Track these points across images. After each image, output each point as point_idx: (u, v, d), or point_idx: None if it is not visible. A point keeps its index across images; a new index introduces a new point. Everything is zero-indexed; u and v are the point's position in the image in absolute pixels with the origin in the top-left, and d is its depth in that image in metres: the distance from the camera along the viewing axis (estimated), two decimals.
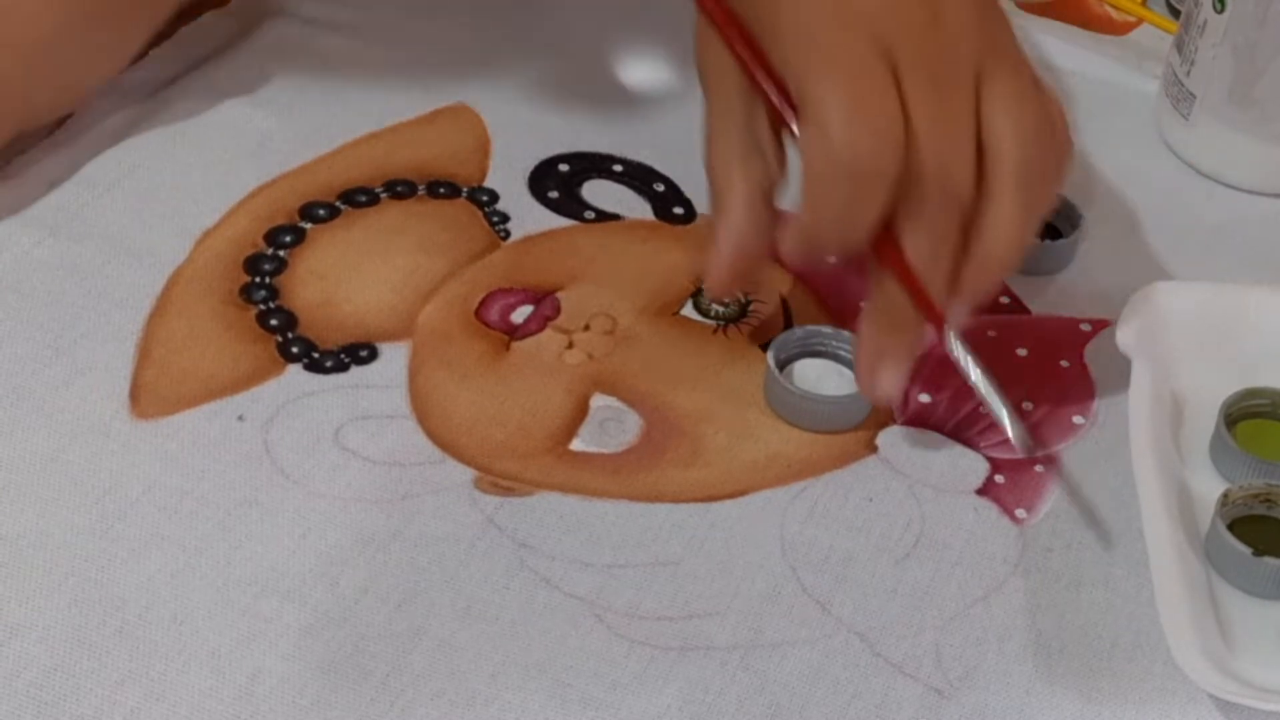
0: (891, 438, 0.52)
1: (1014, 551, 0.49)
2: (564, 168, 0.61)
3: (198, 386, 0.52)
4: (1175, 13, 0.70)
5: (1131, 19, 0.71)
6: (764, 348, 0.53)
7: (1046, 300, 0.58)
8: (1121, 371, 0.53)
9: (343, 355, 0.53)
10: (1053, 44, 0.69)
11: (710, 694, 0.45)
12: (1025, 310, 0.57)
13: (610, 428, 0.52)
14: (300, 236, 0.57)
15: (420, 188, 0.60)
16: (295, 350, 0.53)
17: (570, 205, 0.60)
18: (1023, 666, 0.46)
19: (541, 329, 0.55)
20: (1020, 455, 0.51)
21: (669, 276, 0.57)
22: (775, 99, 0.48)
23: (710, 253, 0.50)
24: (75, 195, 0.58)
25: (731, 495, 0.50)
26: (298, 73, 0.64)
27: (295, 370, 0.53)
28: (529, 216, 0.59)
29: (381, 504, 0.49)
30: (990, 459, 0.52)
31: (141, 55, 0.62)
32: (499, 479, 0.50)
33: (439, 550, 0.48)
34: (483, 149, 0.62)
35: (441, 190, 0.60)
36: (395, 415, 0.52)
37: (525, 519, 0.49)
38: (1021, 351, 0.56)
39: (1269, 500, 0.49)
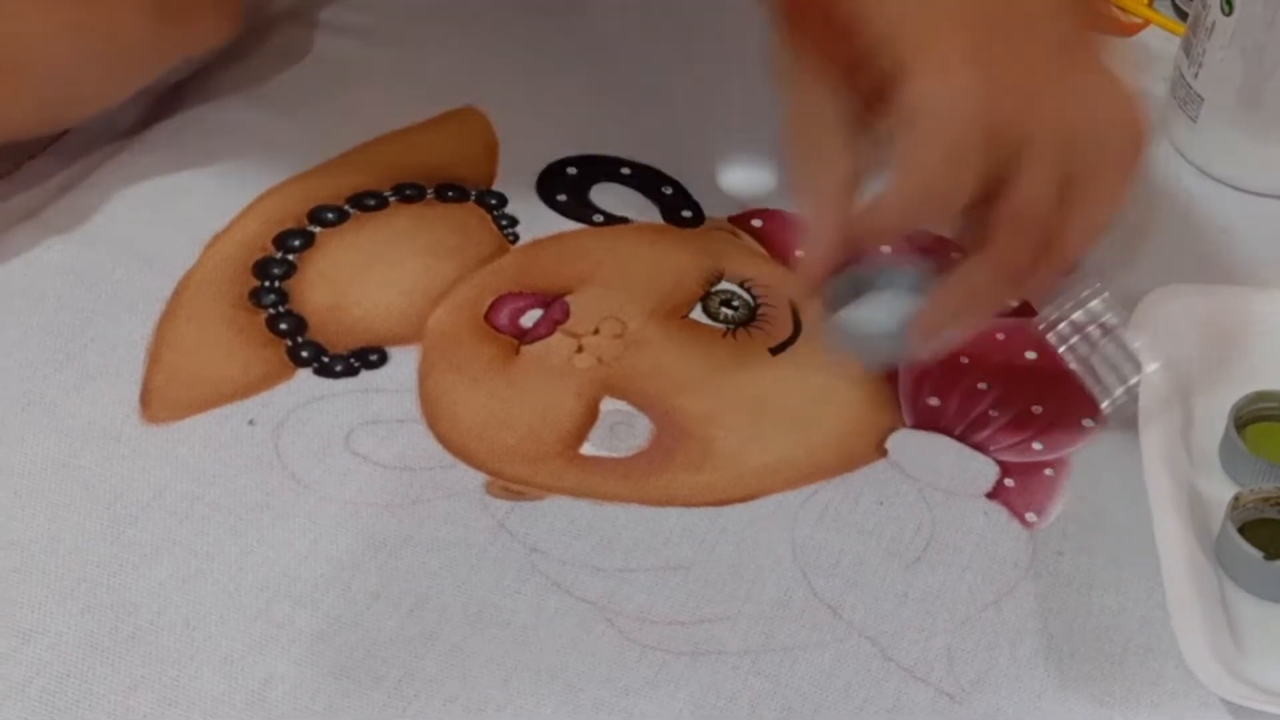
0: (901, 441, 0.52)
1: (1024, 555, 0.49)
2: (572, 171, 0.61)
3: (208, 391, 0.52)
4: (1182, 15, 0.70)
5: (1138, 21, 0.71)
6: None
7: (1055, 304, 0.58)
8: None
9: (352, 359, 0.53)
10: None
11: (722, 698, 0.45)
12: (1034, 313, 0.57)
13: (620, 431, 0.52)
14: (309, 240, 0.57)
15: (429, 191, 0.60)
16: (305, 354, 0.53)
17: (578, 208, 0.60)
18: (1034, 670, 0.46)
19: (551, 333, 0.55)
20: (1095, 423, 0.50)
21: (678, 279, 0.57)
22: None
23: (805, 248, 0.49)
24: (85, 200, 0.58)
25: (742, 499, 0.50)
26: (307, 77, 0.64)
27: (305, 374, 0.53)
28: (537, 220, 0.59)
29: (393, 509, 0.49)
30: (1000, 462, 0.52)
31: None
32: (510, 483, 0.50)
33: (450, 555, 0.48)
34: (491, 152, 0.62)
35: (450, 194, 0.60)
36: (406, 419, 0.52)
37: (536, 523, 0.49)
38: (1031, 355, 0.55)
39: None
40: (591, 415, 0.52)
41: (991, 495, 0.51)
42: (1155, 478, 0.49)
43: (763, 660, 0.46)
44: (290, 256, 0.57)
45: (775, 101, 0.66)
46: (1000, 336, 0.56)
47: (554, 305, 0.56)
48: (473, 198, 0.60)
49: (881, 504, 0.50)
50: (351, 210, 0.59)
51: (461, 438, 0.51)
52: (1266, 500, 0.49)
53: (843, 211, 0.48)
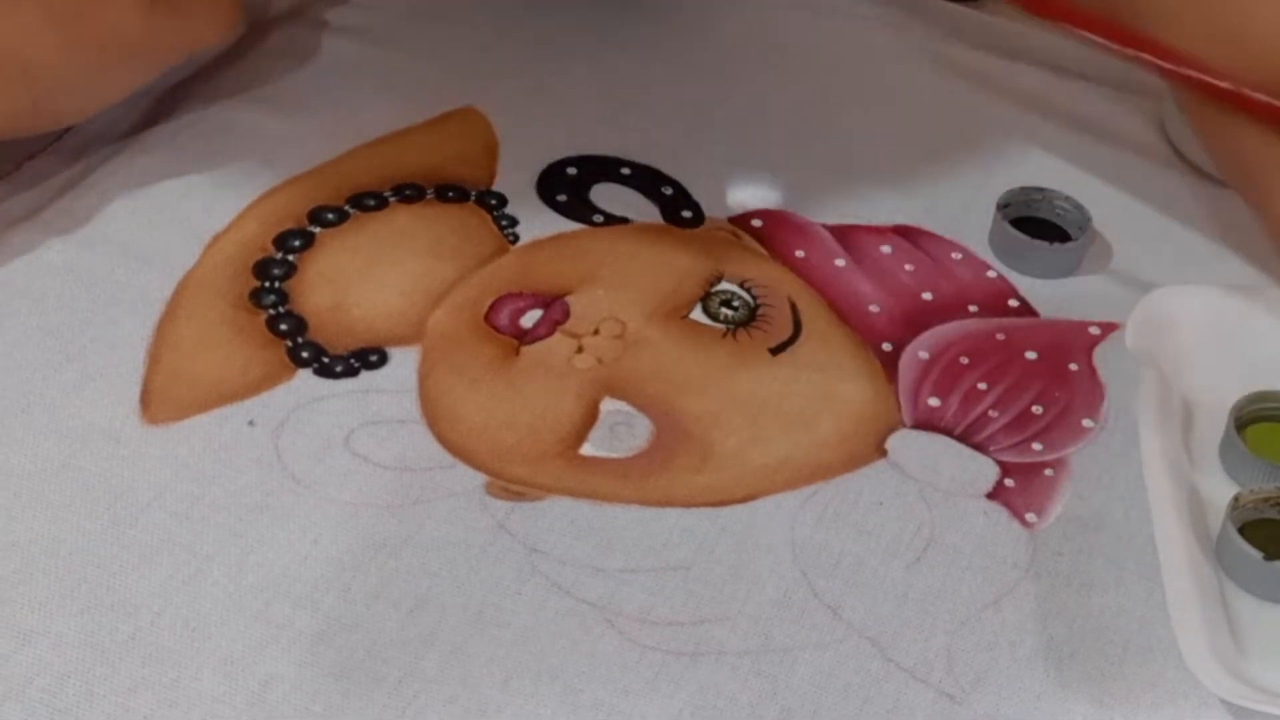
0: (901, 442, 0.52)
1: (1024, 555, 0.49)
2: (572, 171, 0.61)
3: (208, 391, 0.52)
4: None
5: None
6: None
7: (1055, 303, 0.58)
8: (1131, 375, 0.53)
9: (352, 360, 0.53)
10: (1060, 44, 0.69)
11: (722, 699, 0.45)
12: (1034, 313, 0.57)
13: (620, 432, 0.52)
14: (309, 241, 0.57)
15: (429, 191, 0.60)
16: (305, 355, 0.53)
17: (579, 208, 0.60)
18: (1034, 671, 0.46)
19: (551, 333, 0.55)
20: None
21: (678, 280, 0.57)
22: None
23: None
24: (85, 201, 0.58)
25: (742, 500, 0.50)
26: (306, 76, 0.65)
27: (305, 375, 0.53)
28: (537, 220, 0.59)
29: (393, 509, 0.49)
30: (1000, 462, 0.52)
31: None
32: (510, 484, 0.50)
33: (450, 555, 0.48)
34: (491, 152, 0.62)
35: (450, 194, 0.60)
36: (406, 420, 0.52)
37: (536, 524, 0.49)
38: (1031, 355, 0.56)
39: None
40: (591, 416, 0.52)
41: (991, 496, 0.51)
42: (1155, 478, 0.49)
43: (762, 661, 0.46)
44: (290, 257, 0.57)
45: (776, 101, 0.66)
46: (1000, 337, 0.56)
47: (554, 306, 0.56)
48: (473, 198, 0.60)
49: (881, 504, 0.50)
50: (351, 210, 0.59)
51: (461, 438, 0.51)
52: (1267, 501, 0.49)
53: None
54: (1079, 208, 0.60)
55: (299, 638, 0.45)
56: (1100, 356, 0.56)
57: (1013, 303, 0.58)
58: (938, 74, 0.68)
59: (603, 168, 0.62)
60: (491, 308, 0.55)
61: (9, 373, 0.52)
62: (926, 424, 0.53)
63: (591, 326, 0.55)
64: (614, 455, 0.51)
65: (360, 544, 0.48)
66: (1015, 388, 0.54)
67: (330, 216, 0.58)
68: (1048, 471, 0.52)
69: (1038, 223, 0.60)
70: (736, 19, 0.71)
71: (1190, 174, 0.64)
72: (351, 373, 0.53)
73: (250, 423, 0.51)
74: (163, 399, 0.52)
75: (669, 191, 0.61)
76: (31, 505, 0.48)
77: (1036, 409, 0.54)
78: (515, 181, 0.61)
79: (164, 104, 0.62)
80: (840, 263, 0.58)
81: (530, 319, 0.55)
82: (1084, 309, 0.58)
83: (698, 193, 0.61)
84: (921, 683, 0.46)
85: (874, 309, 0.57)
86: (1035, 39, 0.69)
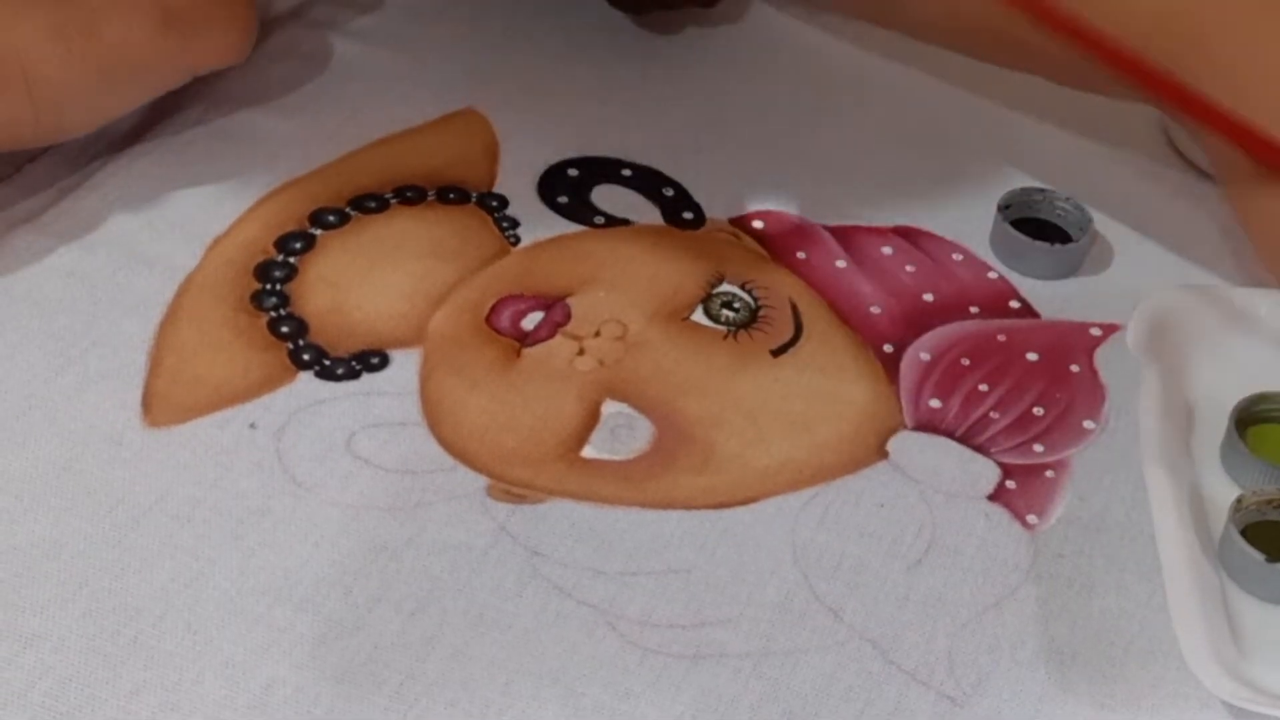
0: (902, 443, 0.52)
1: (1026, 557, 0.49)
2: (573, 173, 0.61)
3: (209, 394, 0.52)
4: None
5: None
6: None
7: (1056, 305, 0.58)
8: (1132, 376, 0.53)
9: (354, 362, 0.53)
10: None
11: (723, 702, 0.45)
12: (1035, 315, 0.57)
13: (622, 434, 0.52)
14: (310, 243, 0.57)
15: (430, 193, 0.60)
16: (306, 357, 0.53)
17: (580, 210, 0.60)
18: (1036, 673, 0.46)
19: (552, 335, 0.55)
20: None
21: (679, 282, 0.57)
22: None
23: None
24: (85, 203, 0.58)
25: (743, 502, 0.50)
26: (307, 78, 0.64)
27: (306, 378, 0.53)
28: (538, 222, 0.59)
29: (394, 512, 0.49)
30: (1001, 464, 0.52)
31: None
32: (511, 486, 0.50)
33: (452, 558, 0.48)
34: (492, 154, 0.62)
35: (451, 196, 0.60)
36: (407, 422, 0.52)
37: (537, 527, 0.49)
38: (1032, 356, 0.56)
39: None
40: (593, 418, 0.52)
41: (993, 497, 0.51)
42: (1156, 480, 0.49)
43: (764, 663, 0.46)
44: (291, 259, 0.57)
45: (776, 102, 0.66)
46: (1001, 338, 0.56)
47: (555, 307, 0.56)
48: (474, 200, 0.60)
49: (883, 506, 0.50)
50: (352, 212, 0.59)
51: (463, 440, 0.51)
52: (1269, 502, 0.49)
53: None
54: (1080, 208, 0.60)
55: (300, 641, 0.45)
56: (1101, 358, 0.56)
57: (1014, 304, 0.58)
58: (938, 74, 0.68)
59: (604, 169, 0.62)
60: (492, 310, 0.55)
61: (10, 376, 0.52)
62: (928, 425, 0.53)
63: (593, 328, 0.55)
64: (615, 457, 0.51)
65: (361, 547, 0.48)
66: (1016, 389, 0.54)
67: (331, 218, 0.58)
68: (1049, 473, 0.52)
69: (1038, 223, 0.60)
70: (737, 19, 0.71)
71: (1191, 174, 0.64)
72: (353, 375, 0.53)
73: (252, 425, 0.51)
74: (164, 402, 0.52)
75: (670, 193, 0.61)
76: (33, 508, 0.48)
77: (1037, 410, 0.54)
78: (516, 183, 0.61)
79: (165, 106, 0.62)
80: (841, 264, 0.58)
81: (531, 321, 0.55)
82: (1085, 310, 0.58)
83: (699, 194, 0.61)
84: (923, 685, 0.46)
85: (875, 310, 0.57)
86: (1037, 37, 0.69)
